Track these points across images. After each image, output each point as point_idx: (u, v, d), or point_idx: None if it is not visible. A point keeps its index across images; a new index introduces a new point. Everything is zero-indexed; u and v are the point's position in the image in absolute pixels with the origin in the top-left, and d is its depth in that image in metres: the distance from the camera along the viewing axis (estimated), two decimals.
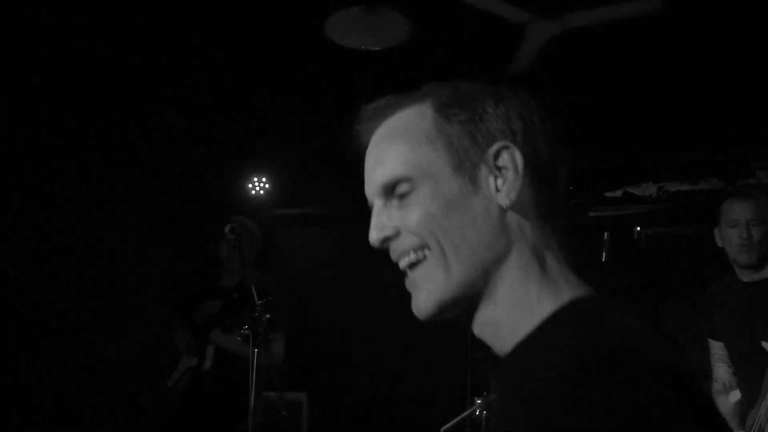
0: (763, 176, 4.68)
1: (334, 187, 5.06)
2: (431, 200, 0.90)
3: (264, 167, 5.21)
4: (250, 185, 5.21)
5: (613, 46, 4.08)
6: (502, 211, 0.90)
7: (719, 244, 2.81)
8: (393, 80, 4.37)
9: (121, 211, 3.97)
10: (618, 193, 4.93)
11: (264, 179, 5.24)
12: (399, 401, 5.02)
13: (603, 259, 4.19)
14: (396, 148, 0.93)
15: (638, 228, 4.91)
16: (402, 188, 0.92)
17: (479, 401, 3.54)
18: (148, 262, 4.10)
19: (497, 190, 0.90)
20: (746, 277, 2.74)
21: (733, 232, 2.72)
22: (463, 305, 0.91)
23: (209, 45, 4.22)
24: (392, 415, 5.01)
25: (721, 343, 2.80)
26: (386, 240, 0.94)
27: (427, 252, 0.91)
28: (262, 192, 5.22)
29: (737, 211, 2.72)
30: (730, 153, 4.70)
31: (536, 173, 0.92)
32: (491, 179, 0.90)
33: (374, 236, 0.95)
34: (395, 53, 3.95)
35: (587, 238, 4.73)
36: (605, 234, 4.21)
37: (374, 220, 0.95)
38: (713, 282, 2.86)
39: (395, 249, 0.93)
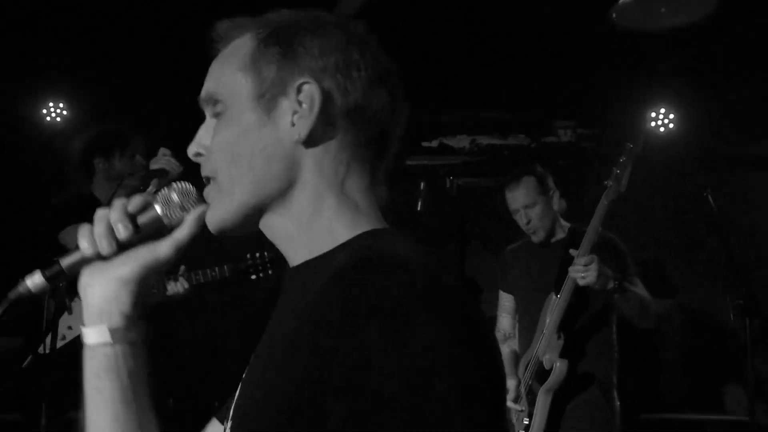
0: (563, 134, 5.06)
1: (145, 114, 4.71)
2: (230, 127, 0.94)
3: (61, 91, 4.69)
4: (45, 111, 4.68)
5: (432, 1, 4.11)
6: (296, 145, 0.92)
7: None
8: (212, 5, 4.06)
9: None
10: (434, 144, 5.09)
11: (61, 105, 4.73)
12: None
13: (418, 208, 4.31)
14: (219, 69, 0.97)
15: (451, 178, 5.10)
16: (217, 108, 0.96)
17: None
18: None
19: (293, 124, 0.91)
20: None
21: (516, 218, 2.98)
22: (247, 226, 0.95)
23: None
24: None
25: (511, 296, 3.04)
26: (198, 156, 0.99)
27: (217, 175, 0.95)
28: (59, 119, 4.72)
29: (512, 200, 2.97)
30: (535, 112, 5.00)
31: (346, 112, 0.93)
32: (289, 114, 0.92)
33: (191, 150, 0.99)
34: None
35: (403, 186, 4.84)
36: (421, 184, 4.33)
37: (198, 133, 0.99)
38: (514, 242, 3.07)
39: (202, 167, 0.98)
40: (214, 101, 0.96)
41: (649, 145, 2.70)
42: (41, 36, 4.24)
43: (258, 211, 0.94)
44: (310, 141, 0.91)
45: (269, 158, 0.92)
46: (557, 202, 2.93)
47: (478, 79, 4.86)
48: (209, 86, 0.97)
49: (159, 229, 0.97)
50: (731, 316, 3.98)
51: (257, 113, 0.93)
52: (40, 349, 2.70)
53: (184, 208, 0.97)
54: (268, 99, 0.92)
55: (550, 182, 2.97)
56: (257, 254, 3.09)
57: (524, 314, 2.97)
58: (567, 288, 2.61)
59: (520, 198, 2.93)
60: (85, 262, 0.96)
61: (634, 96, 4.83)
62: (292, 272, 0.94)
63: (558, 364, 2.65)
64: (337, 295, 0.75)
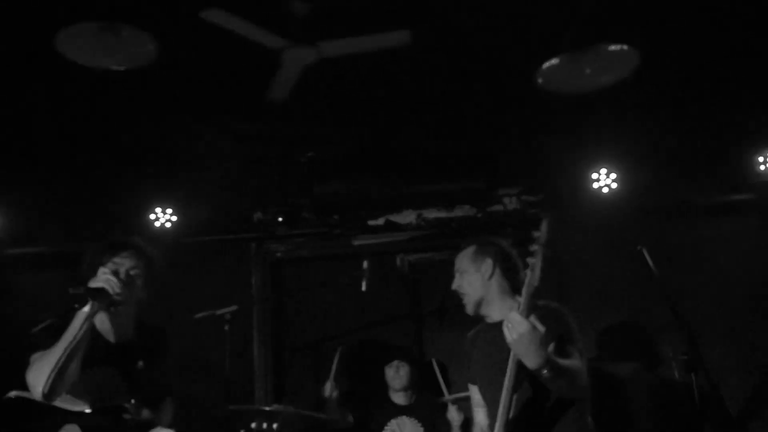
0: (509, 202, 5.03)
1: (74, 221, 4.56)
2: None
3: None
4: None
5: (372, 76, 4.11)
6: None
7: None
8: (140, 102, 4.02)
9: None
10: (380, 221, 5.00)
11: None
12: None
13: (363, 289, 4.16)
14: None
15: (401, 255, 5.01)
16: None
17: None
18: None
19: None
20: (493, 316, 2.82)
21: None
22: None
23: None
24: None
25: (476, 387, 2.84)
26: None
27: None
28: None
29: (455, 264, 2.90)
30: (479, 182, 4.97)
31: None
32: None
33: None
34: (143, 74, 3.62)
35: (347, 268, 4.71)
36: (364, 263, 4.21)
37: None
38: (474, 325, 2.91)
39: None
40: None
41: (555, 229, 2.56)
42: None
43: None
44: None
45: None
46: (493, 276, 2.78)
47: (420, 152, 4.85)
48: None
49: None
50: (675, 373, 3.87)
51: None
52: None
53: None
54: None
55: (492, 255, 2.82)
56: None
57: (489, 406, 2.76)
58: (512, 366, 2.41)
59: (456, 262, 2.87)
60: None
61: (575, 158, 4.85)
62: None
63: None
64: None
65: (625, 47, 3.38)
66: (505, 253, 2.86)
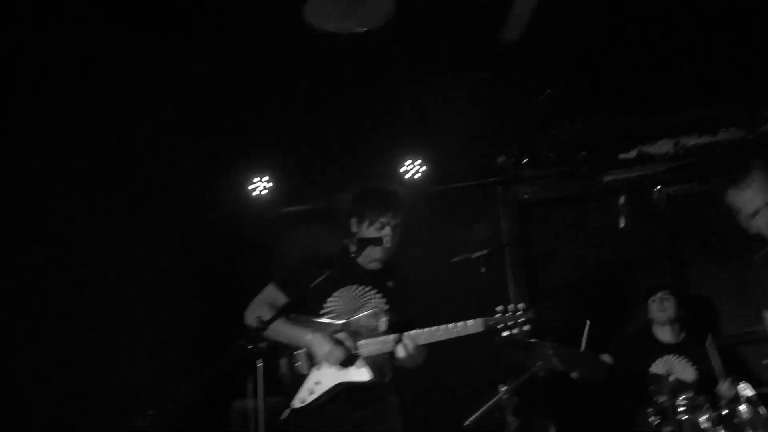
0: None
1: (337, 179, 4.92)
2: None
3: (265, 167, 5.07)
4: (251, 187, 5.06)
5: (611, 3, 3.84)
6: None
7: None
8: (381, 62, 4.19)
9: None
10: (632, 154, 4.68)
11: (267, 178, 5.09)
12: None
13: (621, 226, 3.96)
14: None
15: (657, 188, 4.66)
16: None
17: (503, 389, 3.39)
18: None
19: None
20: None
21: (749, 224, 2.52)
22: None
23: (190, 46, 4.06)
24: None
25: None
26: None
27: None
28: (265, 191, 5.07)
29: (742, 203, 2.50)
30: (743, 102, 4.42)
31: None
32: None
33: None
34: (380, 33, 3.76)
35: (603, 205, 4.51)
36: (621, 198, 3.98)
37: None
38: (760, 249, 2.60)
39: None
40: None
41: None
42: (241, 119, 4.65)
43: None
44: None
45: None
46: None
47: (672, 74, 4.43)
48: None
49: None
50: None
51: None
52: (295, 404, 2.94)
53: None
54: None
55: None
56: (510, 307, 2.84)
57: None
58: None
59: (754, 198, 2.49)
60: None
61: None
62: None
63: None
64: None
65: None
66: None
